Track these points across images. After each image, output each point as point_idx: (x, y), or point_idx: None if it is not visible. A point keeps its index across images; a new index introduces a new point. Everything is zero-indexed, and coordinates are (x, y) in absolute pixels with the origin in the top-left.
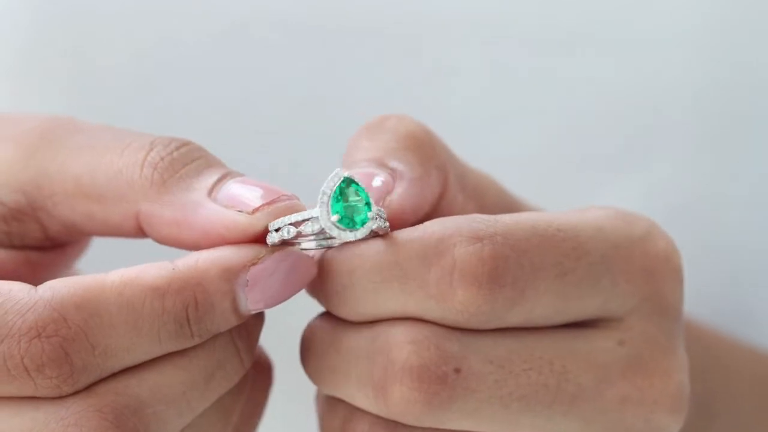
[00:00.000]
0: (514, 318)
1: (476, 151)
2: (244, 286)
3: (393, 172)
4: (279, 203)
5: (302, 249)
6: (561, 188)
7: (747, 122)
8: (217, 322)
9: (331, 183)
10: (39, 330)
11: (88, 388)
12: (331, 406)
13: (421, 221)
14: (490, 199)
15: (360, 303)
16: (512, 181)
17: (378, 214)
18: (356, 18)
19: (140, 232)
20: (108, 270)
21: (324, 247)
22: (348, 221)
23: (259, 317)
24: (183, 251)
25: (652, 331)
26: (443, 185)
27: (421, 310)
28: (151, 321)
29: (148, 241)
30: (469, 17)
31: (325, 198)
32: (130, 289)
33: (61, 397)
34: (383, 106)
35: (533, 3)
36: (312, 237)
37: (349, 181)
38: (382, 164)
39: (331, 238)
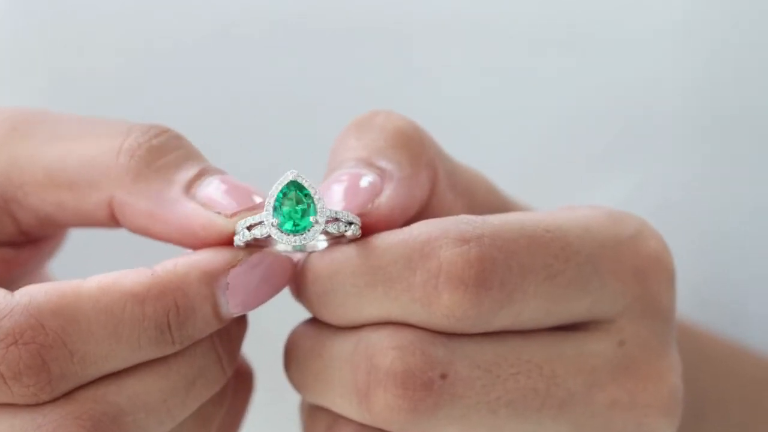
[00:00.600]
0: (502, 321)
1: (466, 150)
2: (225, 289)
3: (381, 172)
4: (258, 209)
5: (281, 251)
6: (552, 186)
7: (737, 120)
8: (198, 328)
9: (277, 186)
10: (16, 337)
11: (67, 395)
12: (314, 414)
13: (411, 221)
14: (480, 197)
15: (343, 307)
16: (502, 180)
17: (336, 217)
18: (346, 17)
19: (113, 221)
20: (84, 275)
21: (299, 250)
22: (291, 225)
23: (242, 325)
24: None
25: (644, 333)
26: (433, 183)
27: (406, 315)
28: (131, 327)
29: (124, 245)
30: (458, 16)
31: (271, 201)
32: (109, 296)
33: (38, 404)
34: (373, 105)
35: (522, 2)
36: (285, 240)
37: (295, 184)
38: (369, 164)
39: (304, 241)
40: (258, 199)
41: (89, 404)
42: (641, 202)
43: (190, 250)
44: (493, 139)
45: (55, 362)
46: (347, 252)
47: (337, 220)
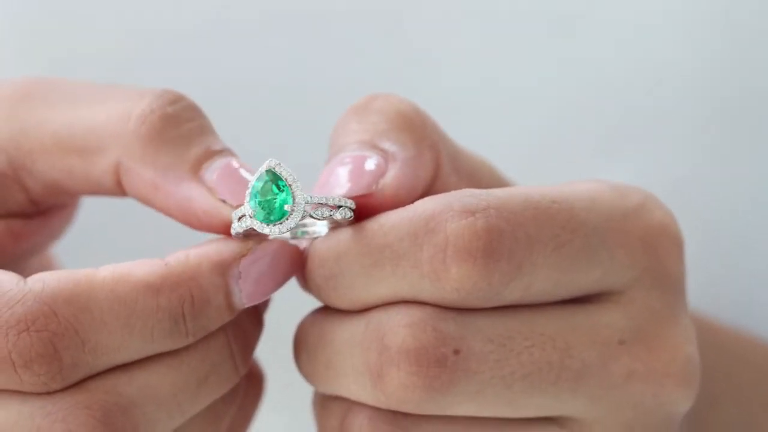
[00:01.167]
0: (512, 294)
1: (466, 137)
2: (237, 278)
3: (385, 154)
4: None
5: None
6: (554, 172)
7: (740, 108)
8: (212, 319)
9: (254, 177)
10: (28, 323)
11: (77, 384)
12: (327, 405)
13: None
14: (485, 182)
15: (351, 290)
16: (504, 165)
17: (321, 202)
18: (345, 1)
19: (120, 189)
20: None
21: (299, 237)
22: (263, 216)
23: (258, 325)
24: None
25: (655, 303)
26: (436, 164)
27: (416, 292)
28: (145, 318)
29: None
30: (460, 1)
31: (248, 192)
32: (123, 286)
33: (48, 393)
34: (372, 91)
35: None
36: (265, 230)
37: (272, 174)
38: (373, 146)
39: (304, 228)
40: None
41: (100, 394)
42: (646, 187)
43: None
44: (494, 124)
45: (67, 351)
46: (352, 233)
47: (322, 205)
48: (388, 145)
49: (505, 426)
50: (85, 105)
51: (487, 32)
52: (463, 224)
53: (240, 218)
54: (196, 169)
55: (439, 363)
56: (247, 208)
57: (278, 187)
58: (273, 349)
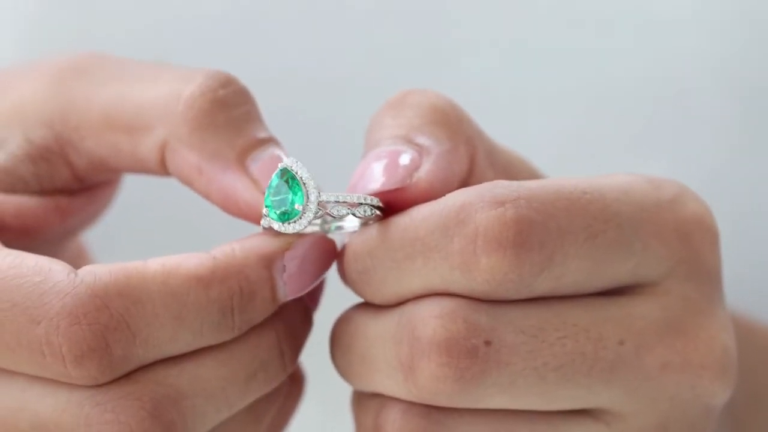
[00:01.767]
0: (544, 285)
1: (499, 131)
2: (282, 272)
3: (420, 148)
4: None
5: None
6: (587, 169)
7: None
8: (257, 311)
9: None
10: (79, 316)
11: (127, 375)
12: (362, 403)
13: None
14: (521, 177)
15: (384, 283)
16: (536, 163)
17: (340, 200)
18: None
19: (163, 168)
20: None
21: (332, 232)
22: (276, 214)
23: (307, 324)
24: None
25: (691, 294)
26: (471, 159)
27: (447, 284)
28: (195, 311)
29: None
30: None
31: (266, 191)
32: (174, 279)
33: (98, 385)
34: (407, 85)
35: None
36: (280, 228)
37: (287, 172)
38: (408, 141)
39: (339, 223)
40: None
41: (151, 386)
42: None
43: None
44: (526, 121)
45: (118, 344)
46: (384, 228)
47: (339, 203)
48: (422, 140)
49: (539, 419)
50: (134, 82)
51: (520, 30)
52: (492, 214)
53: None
54: (242, 158)
55: (470, 354)
56: (265, 207)
57: (291, 186)
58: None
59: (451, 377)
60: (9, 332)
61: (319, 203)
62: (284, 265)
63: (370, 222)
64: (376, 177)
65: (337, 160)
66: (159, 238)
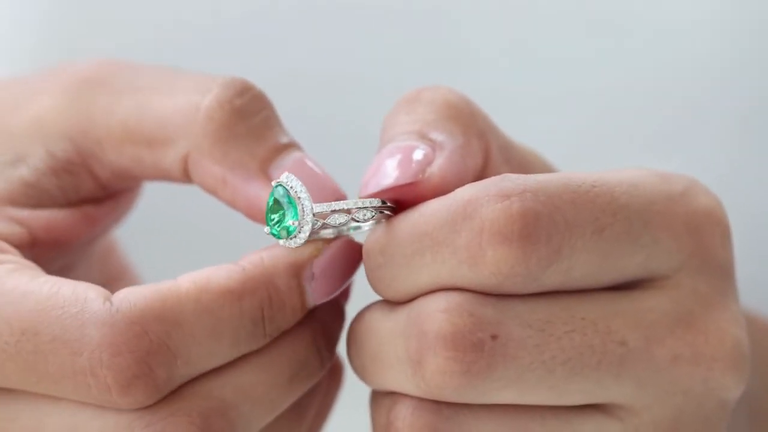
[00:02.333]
0: (552, 279)
1: (510, 133)
2: (311, 279)
3: (433, 144)
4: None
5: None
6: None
7: None
8: (287, 319)
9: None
10: (120, 346)
11: (173, 392)
12: (377, 401)
13: None
14: (536, 172)
15: (395, 279)
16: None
17: (335, 209)
18: None
19: (187, 178)
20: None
21: (351, 233)
22: (277, 232)
23: (339, 320)
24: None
25: (702, 287)
26: (485, 154)
27: (455, 278)
28: (231, 324)
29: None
30: None
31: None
32: (207, 295)
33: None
34: (415, 86)
35: None
36: (282, 243)
37: (281, 188)
38: (422, 136)
39: (297, 242)
40: (335, 189)
41: (197, 400)
42: None
43: None
44: (537, 124)
45: (161, 367)
46: (395, 224)
47: (336, 211)
48: (436, 135)
49: (550, 414)
50: (152, 93)
51: (533, 33)
52: (498, 208)
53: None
54: (264, 166)
55: (476, 348)
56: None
57: (284, 203)
58: None
59: (458, 371)
60: (52, 364)
61: (315, 215)
62: (312, 273)
63: (382, 220)
64: (389, 172)
65: (351, 161)
66: (180, 233)
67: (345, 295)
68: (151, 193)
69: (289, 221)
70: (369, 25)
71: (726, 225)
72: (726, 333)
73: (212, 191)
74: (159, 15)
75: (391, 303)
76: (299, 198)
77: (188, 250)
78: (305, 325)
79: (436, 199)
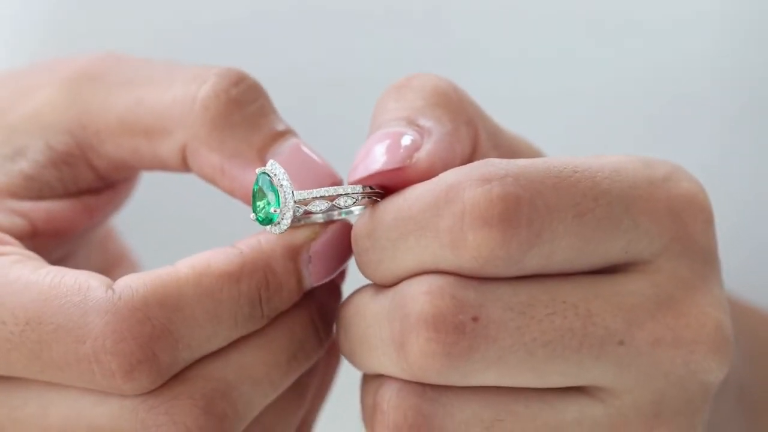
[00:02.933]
0: (533, 262)
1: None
2: (308, 262)
3: (421, 130)
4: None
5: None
6: None
7: None
8: (283, 301)
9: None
10: (124, 332)
11: (175, 376)
12: (365, 385)
13: None
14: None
15: (380, 263)
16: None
17: (316, 196)
18: None
19: (185, 167)
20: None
21: (343, 218)
22: (262, 218)
23: (336, 298)
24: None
25: (683, 271)
26: (474, 140)
27: (438, 262)
28: (229, 307)
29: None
30: None
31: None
32: (207, 279)
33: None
34: None
35: None
36: (268, 230)
37: (265, 176)
38: (410, 122)
39: (281, 229)
40: (331, 174)
41: (199, 383)
42: None
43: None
44: (528, 122)
45: (164, 352)
46: (381, 208)
47: (318, 198)
48: (424, 121)
49: (533, 396)
50: (149, 85)
51: (526, 32)
52: (479, 192)
53: None
54: (261, 154)
55: (458, 330)
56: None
57: (267, 190)
58: None
59: (440, 353)
60: (56, 352)
61: (297, 202)
62: (309, 256)
63: (368, 205)
64: (377, 158)
65: (351, 161)
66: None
67: (341, 275)
68: (146, 182)
69: (271, 208)
70: (369, 25)
71: (709, 210)
72: (707, 316)
73: (211, 180)
74: (159, 15)
75: (379, 286)
76: (281, 186)
77: (185, 237)
78: (303, 305)
79: (420, 183)
